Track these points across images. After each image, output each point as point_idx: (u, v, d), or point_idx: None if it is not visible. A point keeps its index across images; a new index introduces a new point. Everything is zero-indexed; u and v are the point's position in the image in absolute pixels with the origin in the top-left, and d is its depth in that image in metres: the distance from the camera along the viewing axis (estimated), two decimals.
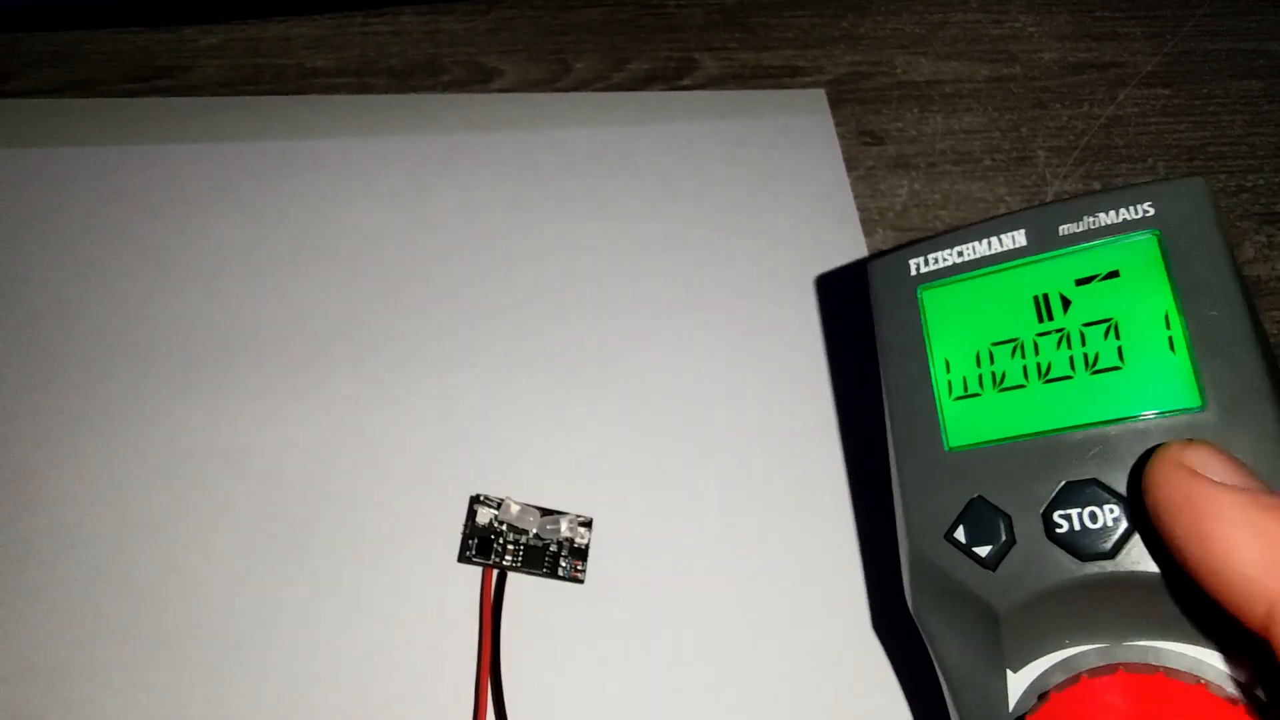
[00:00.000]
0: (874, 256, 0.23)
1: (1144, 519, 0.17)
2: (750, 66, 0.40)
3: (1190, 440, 0.17)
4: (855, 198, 0.36)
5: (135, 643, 0.25)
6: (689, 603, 0.27)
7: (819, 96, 0.39)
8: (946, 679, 0.20)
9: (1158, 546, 0.17)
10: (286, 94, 0.38)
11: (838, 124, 0.38)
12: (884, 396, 0.22)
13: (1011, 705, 0.19)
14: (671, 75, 0.40)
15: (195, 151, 0.35)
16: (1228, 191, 0.38)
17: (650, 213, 0.35)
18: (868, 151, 0.38)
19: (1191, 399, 0.18)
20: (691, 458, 0.30)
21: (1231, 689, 0.17)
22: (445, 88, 0.39)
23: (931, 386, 0.21)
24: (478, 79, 0.39)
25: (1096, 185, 0.37)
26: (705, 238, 0.35)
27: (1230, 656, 0.17)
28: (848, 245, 0.35)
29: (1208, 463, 0.16)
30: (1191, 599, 0.17)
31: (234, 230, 0.33)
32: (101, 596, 0.26)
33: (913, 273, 0.22)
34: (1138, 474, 0.18)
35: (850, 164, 0.37)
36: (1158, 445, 0.17)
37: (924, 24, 0.43)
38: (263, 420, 0.29)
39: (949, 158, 0.38)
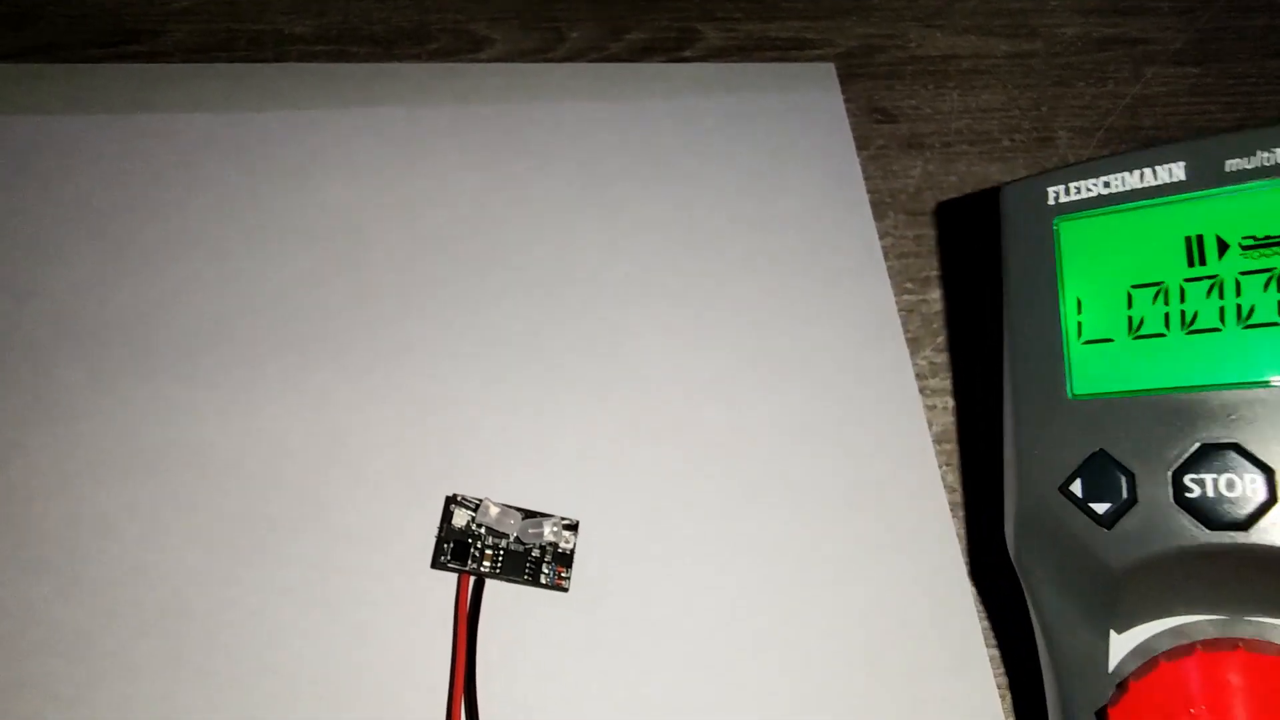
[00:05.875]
0: (1009, 182, 0.22)
1: None
2: (755, 38, 0.39)
3: None
4: (865, 179, 0.35)
5: (87, 651, 0.24)
6: (681, 614, 0.26)
7: (828, 71, 0.38)
8: (1045, 635, 0.19)
9: None
10: (262, 61, 0.36)
11: (847, 100, 0.37)
12: (1004, 334, 0.21)
13: (1112, 666, 0.18)
14: (672, 46, 0.38)
15: (163, 121, 0.34)
16: None
17: (646, 193, 0.34)
18: (879, 130, 0.36)
19: None
20: (687, 456, 0.28)
21: None
22: (431, 57, 0.37)
23: (1060, 327, 0.20)
24: (466, 48, 0.38)
25: None
26: (705, 220, 0.33)
27: None
28: (857, 228, 0.33)
29: None
30: None
31: (201, 206, 0.32)
32: (51, 600, 0.25)
33: (1050, 201, 0.21)
34: None
35: (860, 143, 0.36)
36: None
37: None
38: (227, 411, 0.28)
39: (965, 137, 0.36)
